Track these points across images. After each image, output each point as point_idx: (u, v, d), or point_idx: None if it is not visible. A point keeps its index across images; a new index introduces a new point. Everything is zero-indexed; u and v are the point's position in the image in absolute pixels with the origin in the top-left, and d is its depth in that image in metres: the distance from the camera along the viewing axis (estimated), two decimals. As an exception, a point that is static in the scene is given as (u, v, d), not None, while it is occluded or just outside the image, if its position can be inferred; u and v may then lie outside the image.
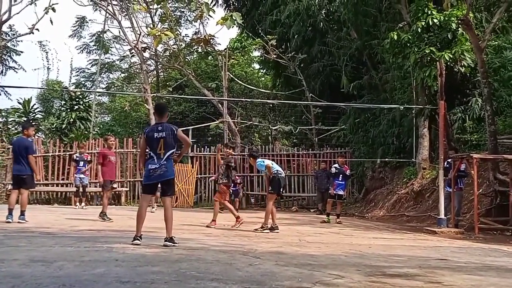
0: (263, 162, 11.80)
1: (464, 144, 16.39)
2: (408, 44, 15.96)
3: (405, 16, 17.64)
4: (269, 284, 4.84)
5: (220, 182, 12.31)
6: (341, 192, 15.12)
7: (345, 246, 8.74)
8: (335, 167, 15.48)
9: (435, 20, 15.48)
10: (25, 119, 27.53)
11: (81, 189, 18.45)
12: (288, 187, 23.41)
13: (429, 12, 15.73)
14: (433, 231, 12.54)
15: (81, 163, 18.18)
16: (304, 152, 24.13)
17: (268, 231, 11.03)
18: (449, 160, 14.08)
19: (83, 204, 18.15)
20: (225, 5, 29.31)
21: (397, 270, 6.21)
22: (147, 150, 7.93)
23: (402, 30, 16.96)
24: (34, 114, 29.74)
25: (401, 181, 18.94)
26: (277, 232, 11.03)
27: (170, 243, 7.48)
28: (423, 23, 15.64)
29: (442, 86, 13.96)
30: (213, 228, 11.36)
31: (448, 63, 14.97)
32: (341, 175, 15.07)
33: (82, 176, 18.17)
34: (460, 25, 15.01)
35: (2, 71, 30.47)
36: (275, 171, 11.48)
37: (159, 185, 7.99)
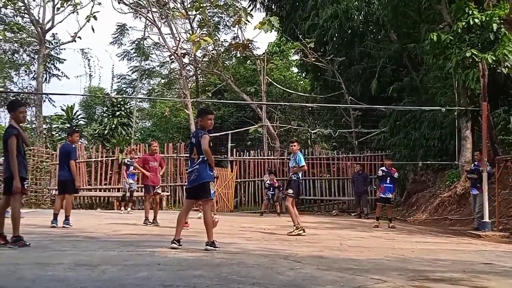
0: (303, 158, 11.80)
1: (508, 146, 16.01)
2: (449, 45, 15.64)
3: (445, 17, 17.33)
4: (311, 289, 4.83)
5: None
6: (389, 196, 14.93)
7: (387, 250, 8.64)
8: (382, 170, 15.31)
9: (476, 20, 15.11)
10: (68, 125, 28.13)
11: (128, 194, 18.69)
12: (328, 191, 23.36)
13: (470, 12, 15.37)
14: (477, 234, 12.29)
15: (131, 168, 18.29)
16: (344, 156, 23.95)
17: (302, 231, 11.01)
18: (476, 162, 14.03)
19: (129, 209, 18.37)
20: (263, 9, 29.34)
21: (441, 274, 6.12)
22: None
23: (442, 31, 16.66)
24: (77, 121, 30.36)
25: (443, 184, 18.61)
26: (302, 234, 11.05)
27: (211, 247, 7.53)
28: (464, 24, 15.30)
29: (485, 88, 13.69)
30: (254, 232, 11.35)
31: (491, 65, 14.65)
32: (388, 178, 14.89)
33: (131, 181, 18.36)
34: (502, 25, 14.69)
35: (46, 79, 31.14)
36: (297, 177, 11.57)
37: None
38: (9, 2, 25.55)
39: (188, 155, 8.30)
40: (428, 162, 19.26)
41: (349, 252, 8.13)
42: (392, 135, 21.89)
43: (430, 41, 16.03)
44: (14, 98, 28.34)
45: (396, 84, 21.55)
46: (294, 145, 11.99)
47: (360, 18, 24.95)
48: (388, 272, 6.07)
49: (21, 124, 8.15)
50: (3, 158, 8.23)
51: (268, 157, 23.49)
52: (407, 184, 21.61)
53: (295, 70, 33.06)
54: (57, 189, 13.39)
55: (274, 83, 27.40)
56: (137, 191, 19.40)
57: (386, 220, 15.25)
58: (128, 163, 18.64)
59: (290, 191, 11.52)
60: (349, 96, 24.03)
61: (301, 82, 32.96)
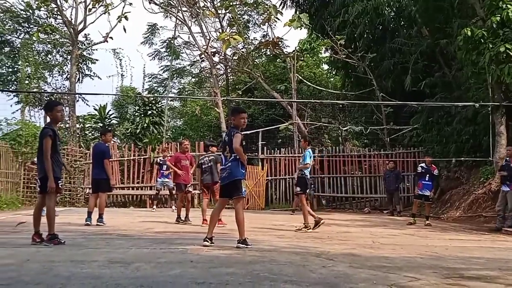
0: (311, 157, 11.84)
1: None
2: (482, 40, 15.38)
3: (478, 11, 17.01)
4: (343, 286, 4.80)
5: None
6: (427, 193, 14.81)
7: (421, 248, 8.55)
8: (421, 166, 15.21)
9: (511, 15, 14.85)
10: (101, 125, 28.47)
11: (168, 192, 18.89)
12: (360, 188, 23.20)
13: (504, 6, 15.07)
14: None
15: (164, 167, 18.41)
16: (376, 153, 23.75)
17: (311, 230, 11.17)
18: (507, 158, 13.79)
19: (173, 207, 18.18)
20: (293, 6, 29.25)
21: (476, 272, 6.02)
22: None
23: (475, 25, 16.37)
24: (110, 120, 30.68)
25: (477, 181, 18.31)
26: (323, 222, 11.40)
27: (243, 245, 7.55)
28: (498, 18, 15.01)
29: (520, 82, 13.44)
30: (285, 230, 11.36)
31: (527, 60, 14.36)
32: (427, 175, 14.78)
33: (166, 180, 18.45)
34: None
35: (79, 79, 31.53)
36: (304, 173, 11.69)
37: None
38: (43, 4, 25.96)
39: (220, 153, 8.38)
40: (462, 158, 18.98)
41: (382, 250, 8.07)
42: (424, 131, 21.62)
43: (463, 36, 15.77)
44: (48, 98, 28.83)
45: (428, 80, 21.26)
46: (302, 142, 12.17)
47: (391, 13, 24.69)
48: (421, 270, 6.00)
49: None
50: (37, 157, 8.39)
51: (299, 155, 23.36)
52: (440, 181, 21.33)
53: (326, 67, 32.89)
54: (91, 188, 13.56)
55: (305, 81, 27.31)
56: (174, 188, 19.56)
57: (423, 217, 15.10)
58: (160, 162, 18.81)
59: (298, 188, 11.79)
60: (381, 92, 23.80)
61: (332, 79, 32.78)
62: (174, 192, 17.10)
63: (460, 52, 16.83)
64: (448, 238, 11.05)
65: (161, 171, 18.62)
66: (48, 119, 8.45)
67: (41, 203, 8.01)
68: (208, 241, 7.70)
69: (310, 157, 11.82)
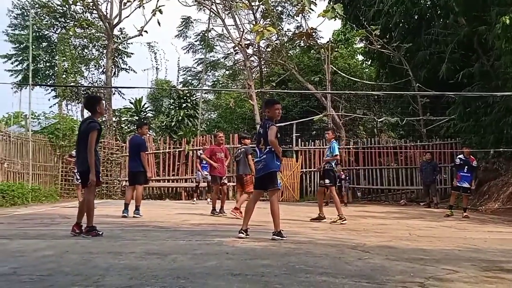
0: (337, 148, 11.83)
1: None
2: (522, 28, 15.02)
3: (518, -2, 16.63)
4: (380, 279, 4.75)
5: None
6: (465, 185, 14.54)
7: (458, 240, 8.41)
8: (459, 158, 15.01)
9: (552, 2, 14.46)
10: (136, 118, 28.80)
11: (206, 185, 18.98)
12: (396, 180, 22.97)
13: (545, -7, 14.71)
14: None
15: (204, 161, 18.51)
16: (412, 144, 23.46)
17: (346, 221, 11.17)
18: None
19: (208, 199, 18.32)
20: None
21: (516, 265, 5.90)
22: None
23: (515, 13, 15.99)
24: (145, 113, 31.02)
25: (516, 172, 17.98)
26: (324, 221, 11.34)
27: (278, 237, 7.55)
28: (538, 5, 14.67)
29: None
30: (321, 222, 11.34)
31: None
32: (466, 167, 14.56)
33: (206, 172, 18.57)
34: None
35: (115, 73, 31.95)
36: (330, 166, 11.70)
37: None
38: (79, -1, 26.34)
39: (254, 145, 8.36)
40: (500, 149, 18.61)
41: (419, 242, 7.96)
42: (461, 122, 21.25)
43: (501, 24, 15.41)
44: (85, 92, 29.27)
45: (466, 70, 20.85)
46: (328, 133, 12.15)
47: (427, 2, 24.27)
48: (460, 262, 5.90)
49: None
50: (75, 150, 8.46)
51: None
52: (478, 173, 20.95)
53: (360, 58, 32.58)
54: (127, 180, 13.73)
55: (339, 72, 27.10)
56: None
57: (460, 209, 14.87)
58: (201, 155, 18.93)
59: (327, 181, 11.70)
60: (417, 83, 23.46)
61: (366, 70, 32.47)
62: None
63: (499, 42, 16.46)
64: (487, 230, 10.87)
65: (202, 165, 18.68)
66: (87, 113, 8.54)
67: (86, 195, 8.06)
68: (243, 233, 7.71)
69: (336, 148, 11.79)
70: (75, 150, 9.09)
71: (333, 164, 11.78)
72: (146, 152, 13.11)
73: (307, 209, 16.24)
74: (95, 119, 8.12)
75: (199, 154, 19.35)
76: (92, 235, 7.63)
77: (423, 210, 17.59)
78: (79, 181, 8.70)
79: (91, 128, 7.85)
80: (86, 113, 9.35)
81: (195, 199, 19.20)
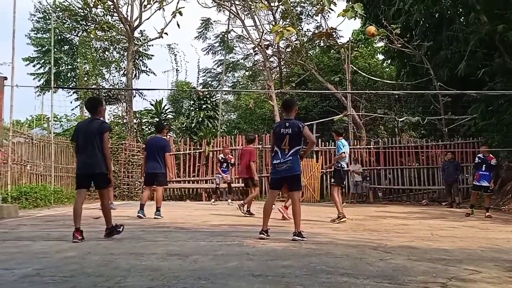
0: (344, 147, 11.82)
1: None
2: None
3: (540, -5, 16.39)
4: (402, 279, 4.73)
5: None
6: (485, 184, 14.40)
7: (481, 240, 8.32)
8: (478, 157, 14.94)
9: None
10: (157, 119, 28.95)
11: (222, 186, 19.22)
12: (417, 180, 22.79)
13: None
14: None
15: (224, 165, 18.88)
16: (433, 144, 23.26)
17: (345, 219, 11.28)
18: None
19: (229, 200, 18.84)
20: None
21: (541, 265, 5.82)
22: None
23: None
24: (166, 115, 31.15)
25: (540, 171, 17.72)
26: (344, 221, 11.23)
27: (299, 238, 7.54)
28: (561, 2, 14.44)
29: None
30: (341, 223, 11.30)
31: None
32: (484, 165, 14.46)
33: (225, 175, 18.88)
34: None
35: (135, 75, 32.17)
36: (340, 165, 11.75)
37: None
38: (99, 2, 26.53)
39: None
40: (524, 148, 18.38)
41: (441, 243, 7.90)
42: (483, 120, 21.00)
43: (524, 21, 15.22)
44: (106, 94, 29.52)
45: (487, 68, 20.60)
46: (334, 136, 12.72)
47: (448, 1, 24.02)
48: (482, 262, 5.85)
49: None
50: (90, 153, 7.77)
51: (354, 147, 23.13)
52: (501, 172, 20.72)
53: (381, 57, 32.39)
54: (144, 181, 13.69)
55: (359, 71, 26.97)
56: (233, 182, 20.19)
57: (483, 209, 14.73)
58: (221, 160, 19.07)
59: (332, 180, 12.15)
60: (438, 82, 23.24)
61: (387, 69, 32.27)
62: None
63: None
64: (510, 230, 10.75)
65: (222, 169, 18.92)
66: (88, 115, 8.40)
67: (104, 198, 8.01)
68: (264, 234, 7.72)
69: (344, 146, 11.82)
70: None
71: (342, 163, 11.78)
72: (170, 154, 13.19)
73: (328, 209, 16.18)
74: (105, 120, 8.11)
75: (220, 158, 19.43)
76: (116, 233, 7.74)
77: (445, 210, 17.43)
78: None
79: (106, 129, 7.79)
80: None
81: (213, 200, 19.26)
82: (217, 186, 19.41)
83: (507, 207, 17.58)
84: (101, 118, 8.28)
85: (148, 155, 12.10)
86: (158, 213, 11.66)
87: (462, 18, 23.67)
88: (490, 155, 14.92)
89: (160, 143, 12.14)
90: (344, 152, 11.75)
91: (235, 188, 21.41)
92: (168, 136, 23.79)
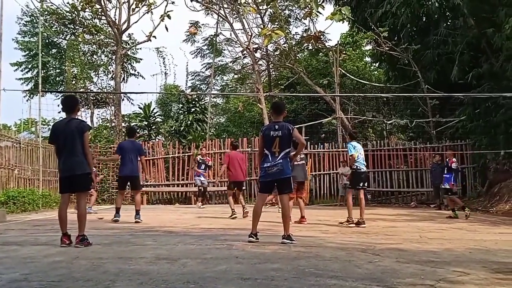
0: (354, 148, 11.74)
1: None
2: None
3: (526, -1, 16.55)
4: (391, 282, 4.75)
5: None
6: (446, 186, 14.88)
7: (469, 242, 8.37)
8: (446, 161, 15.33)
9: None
10: (146, 123, 28.89)
11: (202, 189, 19.35)
12: (405, 182, 22.88)
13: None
14: None
15: (202, 166, 19.07)
16: (422, 146, 23.38)
17: (354, 225, 11.20)
18: None
19: (199, 203, 18.96)
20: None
21: (528, 267, 5.86)
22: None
23: (523, 14, 15.91)
24: (154, 118, 31.08)
25: (528, 173, 17.86)
26: (364, 227, 11.03)
27: (288, 241, 7.55)
28: (546, 5, 14.59)
29: None
30: (330, 226, 11.33)
31: None
32: (446, 168, 14.99)
33: (202, 178, 19.03)
34: None
35: (124, 78, 32.07)
36: (356, 167, 11.67)
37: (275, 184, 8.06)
38: (87, 5, 26.41)
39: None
40: (511, 150, 18.51)
41: (429, 245, 7.94)
42: (471, 122, 21.15)
43: (510, 25, 15.37)
44: (94, 98, 29.40)
45: (475, 71, 20.75)
46: (347, 137, 12.40)
47: (435, 4, 24.17)
48: (470, 264, 5.88)
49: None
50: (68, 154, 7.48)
51: (343, 149, 23.14)
52: (488, 174, 20.87)
53: (369, 60, 32.52)
54: (118, 185, 13.51)
55: (348, 74, 27.06)
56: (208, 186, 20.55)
57: (473, 211, 14.91)
58: (200, 161, 19.16)
59: (347, 182, 12.27)
60: (426, 84, 23.38)
61: (375, 72, 32.40)
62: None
63: (508, 42, 16.38)
64: (498, 232, 10.80)
65: (200, 170, 19.18)
66: (63, 115, 8.18)
67: (82, 200, 7.71)
68: (253, 237, 7.72)
69: (354, 148, 11.74)
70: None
71: (357, 165, 11.72)
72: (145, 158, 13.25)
73: (317, 212, 16.22)
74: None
75: (198, 160, 19.50)
76: (85, 244, 7.23)
77: (434, 212, 17.51)
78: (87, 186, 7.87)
79: (86, 128, 7.61)
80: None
81: (199, 203, 19.23)
82: (201, 189, 19.52)
83: (495, 209, 17.68)
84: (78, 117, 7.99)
85: (122, 159, 11.97)
86: (138, 216, 11.67)
87: (449, 21, 23.84)
88: (453, 158, 15.18)
89: (135, 146, 12.15)
90: (352, 154, 11.69)
91: (217, 192, 21.68)
92: (157, 139, 23.78)
